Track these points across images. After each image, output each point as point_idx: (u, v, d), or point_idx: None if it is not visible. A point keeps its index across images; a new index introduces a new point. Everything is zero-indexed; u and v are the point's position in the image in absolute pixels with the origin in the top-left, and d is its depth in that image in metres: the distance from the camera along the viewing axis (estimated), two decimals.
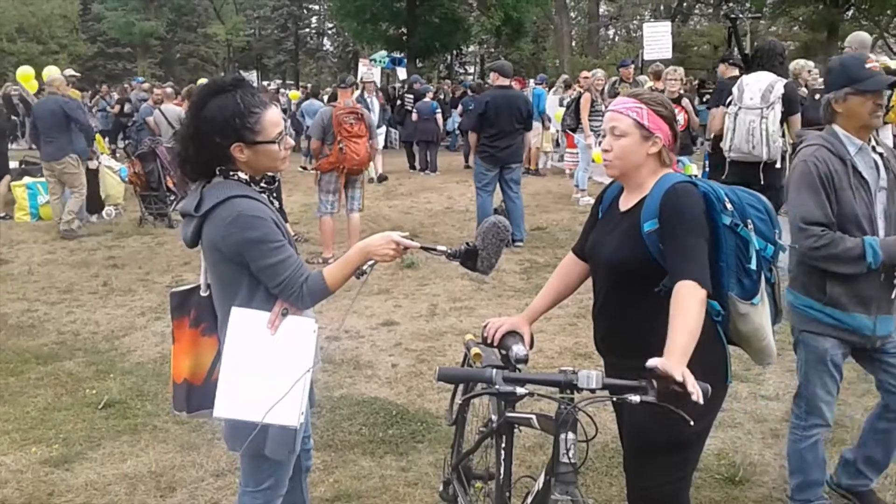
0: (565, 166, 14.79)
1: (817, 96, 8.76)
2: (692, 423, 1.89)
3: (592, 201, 8.22)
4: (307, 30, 55.77)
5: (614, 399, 1.99)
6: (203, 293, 2.59)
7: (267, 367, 2.38)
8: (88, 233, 9.79)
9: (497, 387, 2.01)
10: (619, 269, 2.40)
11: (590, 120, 11.28)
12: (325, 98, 14.10)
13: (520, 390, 2.00)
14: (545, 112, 14.76)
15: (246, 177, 2.41)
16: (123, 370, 5.21)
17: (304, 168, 15.37)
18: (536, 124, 14.52)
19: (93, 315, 6.47)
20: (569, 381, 1.97)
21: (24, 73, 14.61)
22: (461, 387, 2.85)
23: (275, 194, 2.53)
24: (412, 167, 16.27)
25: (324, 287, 2.38)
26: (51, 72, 12.76)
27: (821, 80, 10.03)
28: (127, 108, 18.29)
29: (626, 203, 2.48)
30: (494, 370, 2.04)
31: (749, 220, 2.36)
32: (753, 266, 2.34)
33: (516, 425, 2.45)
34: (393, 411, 4.49)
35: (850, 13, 27.19)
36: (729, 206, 2.33)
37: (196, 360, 2.60)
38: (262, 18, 52.86)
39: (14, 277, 7.72)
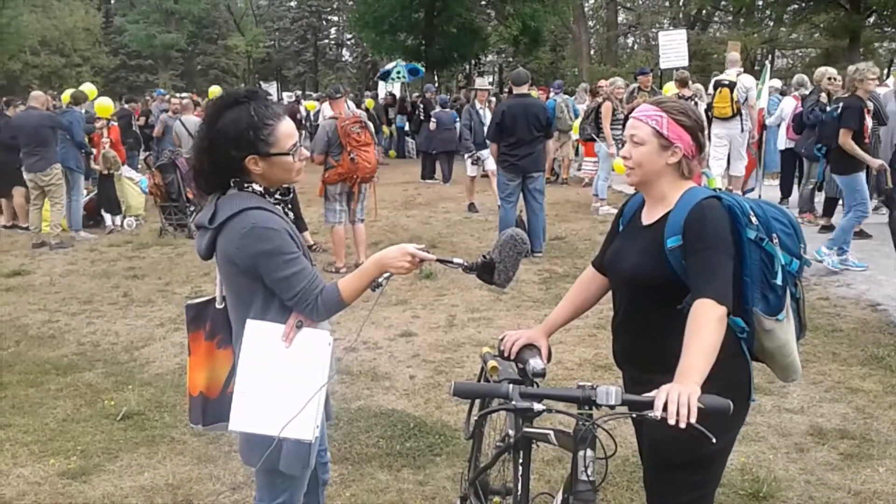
0: (584, 174, 14.74)
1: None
2: (714, 440, 1.84)
3: (612, 211, 8.19)
4: (326, 41, 56.14)
5: (633, 416, 1.94)
6: (218, 305, 2.58)
7: (282, 381, 2.36)
8: (69, 248, 9.76)
9: (513, 402, 1.97)
10: (639, 284, 2.35)
11: (611, 129, 11.25)
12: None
13: (537, 406, 1.96)
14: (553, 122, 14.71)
15: (260, 189, 2.40)
16: (142, 381, 5.22)
17: None
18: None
19: (112, 326, 6.49)
20: (587, 396, 1.93)
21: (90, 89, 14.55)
22: (478, 401, 2.81)
23: (289, 206, 2.51)
24: (425, 177, 16.22)
25: (339, 299, 2.35)
26: (89, 88, 13.08)
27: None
28: (150, 119, 18.43)
29: (648, 217, 2.43)
30: (511, 385, 2.00)
31: (774, 235, 2.30)
32: (779, 281, 2.28)
33: (534, 441, 2.41)
34: (410, 423, 4.45)
35: (871, 19, 26.93)
36: (754, 219, 2.28)
37: (211, 372, 2.59)
38: (282, 30, 53.31)
39: (36, 288, 7.78)
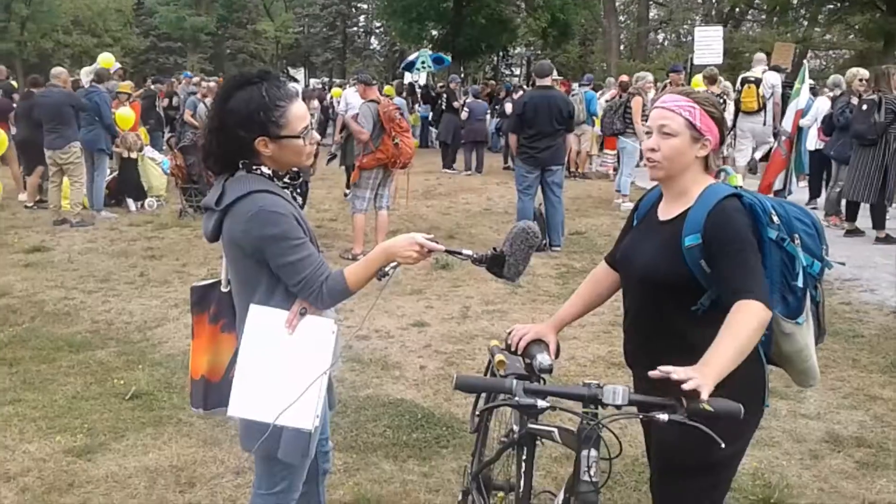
0: (605, 168, 14.63)
1: (865, 107, 8.50)
2: (724, 445, 1.77)
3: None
4: (355, 28, 56.10)
5: (640, 416, 1.87)
6: (224, 289, 2.55)
7: (283, 368, 2.32)
8: (90, 226, 9.79)
9: (517, 399, 1.92)
10: (652, 281, 2.27)
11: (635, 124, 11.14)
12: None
13: (540, 403, 1.90)
14: (596, 114, 14.56)
15: (269, 171, 2.35)
16: (153, 361, 5.22)
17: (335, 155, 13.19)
18: (587, 127, 14.39)
19: (128, 305, 6.51)
20: (593, 395, 1.87)
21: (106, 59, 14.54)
22: (485, 395, 2.76)
23: (299, 190, 2.47)
24: (446, 166, 16.16)
25: (344, 287, 2.31)
26: (104, 59, 12.96)
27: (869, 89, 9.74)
28: (175, 101, 18.51)
29: (666, 212, 2.34)
30: (515, 381, 1.94)
31: (796, 235, 2.22)
32: (799, 283, 2.21)
33: (538, 437, 2.35)
34: (418, 414, 4.42)
35: None
36: (776, 219, 2.20)
37: (214, 356, 2.56)
38: (311, 16, 53.30)
39: (54, 265, 7.82)
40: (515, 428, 2.44)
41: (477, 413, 2.50)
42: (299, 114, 2.33)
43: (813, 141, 10.57)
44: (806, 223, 2.28)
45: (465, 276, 7.36)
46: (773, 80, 11.41)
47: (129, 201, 11.09)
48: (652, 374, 1.88)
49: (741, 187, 2.30)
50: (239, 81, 2.34)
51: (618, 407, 1.88)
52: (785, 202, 2.34)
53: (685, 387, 1.82)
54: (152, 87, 18.16)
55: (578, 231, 9.64)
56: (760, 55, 12.41)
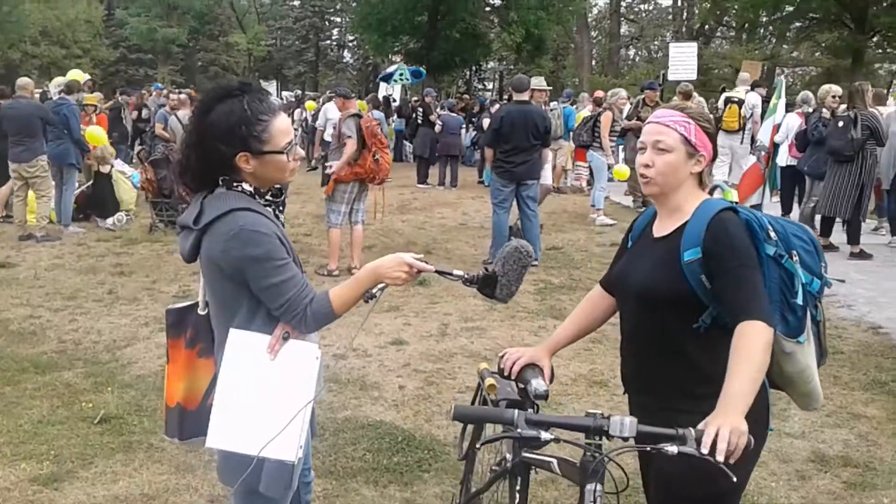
0: (579, 181, 14.63)
1: (840, 123, 8.57)
2: (734, 479, 1.69)
3: (609, 221, 8.01)
4: (328, 41, 56.01)
5: (649, 449, 1.78)
6: (201, 311, 2.43)
7: (265, 396, 2.20)
8: (56, 241, 9.54)
9: (519, 430, 1.81)
10: (651, 299, 2.20)
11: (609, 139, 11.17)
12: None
13: (544, 436, 1.79)
14: (574, 129, 14.58)
15: (250, 188, 2.24)
16: (123, 383, 5.04)
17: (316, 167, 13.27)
18: (563, 142, 14.38)
19: (96, 323, 6.31)
20: (598, 426, 1.77)
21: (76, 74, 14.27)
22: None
23: (280, 207, 2.36)
24: (421, 182, 16.08)
25: (329, 310, 2.20)
26: (74, 74, 12.72)
27: (843, 105, 9.85)
28: (144, 113, 18.24)
29: (661, 229, 2.28)
30: (517, 411, 1.83)
31: (794, 252, 2.17)
32: (799, 301, 2.15)
33: (533, 467, 2.25)
34: (399, 437, 4.30)
35: (874, 39, 26.92)
36: (773, 235, 2.14)
37: (191, 383, 2.43)
38: (284, 29, 53.18)
39: (20, 282, 7.59)
40: (508, 456, 2.34)
41: (478, 446, 2.37)
42: (282, 128, 2.22)
43: (784, 157, 10.65)
44: (803, 240, 2.23)
45: (442, 293, 7.26)
46: (755, 100, 11.65)
47: (98, 220, 10.81)
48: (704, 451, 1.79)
49: (737, 203, 2.25)
50: (219, 94, 2.22)
51: (625, 439, 1.78)
52: (781, 219, 2.29)
53: (721, 456, 1.77)
54: (120, 98, 17.89)
55: (555, 246, 9.59)
56: (744, 75, 12.72)
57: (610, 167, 11.25)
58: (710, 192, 2.28)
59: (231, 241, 2.12)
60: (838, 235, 9.17)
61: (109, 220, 10.68)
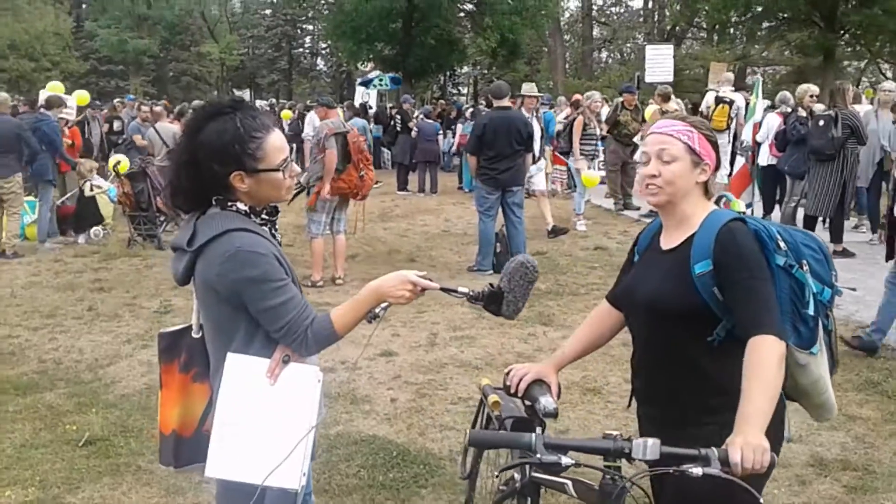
0: (555, 184, 14.63)
1: (821, 122, 8.62)
2: (761, 500, 1.65)
3: (583, 228, 7.84)
4: (301, 49, 55.79)
5: (672, 471, 1.72)
6: (195, 335, 2.34)
7: (266, 422, 2.12)
8: (23, 258, 9.38)
9: (538, 456, 1.74)
10: (661, 313, 2.15)
11: (581, 144, 11.10)
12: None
13: (565, 460, 1.73)
14: (553, 134, 14.57)
15: (245, 208, 2.16)
16: (107, 403, 4.92)
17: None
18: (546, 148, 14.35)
19: (76, 342, 6.18)
20: (619, 448, 1.70)
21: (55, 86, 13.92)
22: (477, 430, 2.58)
23: (276, 227, 2.28)
24: (401, 188, 16.00)
25: (331, 331, 2.13)
26: (54, 87, 12.50)
27: (821, 105, 9.92)
28: (116, 125, 17.96)
29: (669, 241, 2.23)
30: (534, 435, 1.76)
31: (804, 262, 2.13)
32: (811, 312, 2.11)
33: (544, 487, 2.19)
34: (393, 452, 4.22)
35: (845, 38, 27.22)
36: (782, 245, 2.11)
37: (186, 409, 2.34)
38: (256, 38, 52.90)
39: None
40: (517, 476, 2.27)
41: (496, 474, 2.28)
42: (277, 145, 2.15)
43: (765, 156, 10.70)
44: (813, 248, 2.20)
45: (429, 301, 7.18)
46: (740, 101, 11.68)
47: (80, 236, 10.61)
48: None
49: (745, 213, 2.21)
50: (210, 112, 2.14)
51: (648, 462, 1.72)
52: (789, 227, 2.25)
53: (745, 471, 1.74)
54: (87, 111, 17.57)
55: (540, 251, 9.54)
56: (729, 74, 12.71)
57: (578, 172, 11.20)
58: (716, 202, 2.24)
59: (227, 262, 2.04)
60: (820, 234, 9.20)
61: (82, 238, 10.49)
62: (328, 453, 4.18)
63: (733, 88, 12.16)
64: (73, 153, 11.07)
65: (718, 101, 11.81)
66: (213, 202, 2.15)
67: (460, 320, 6.68)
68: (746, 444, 1.76)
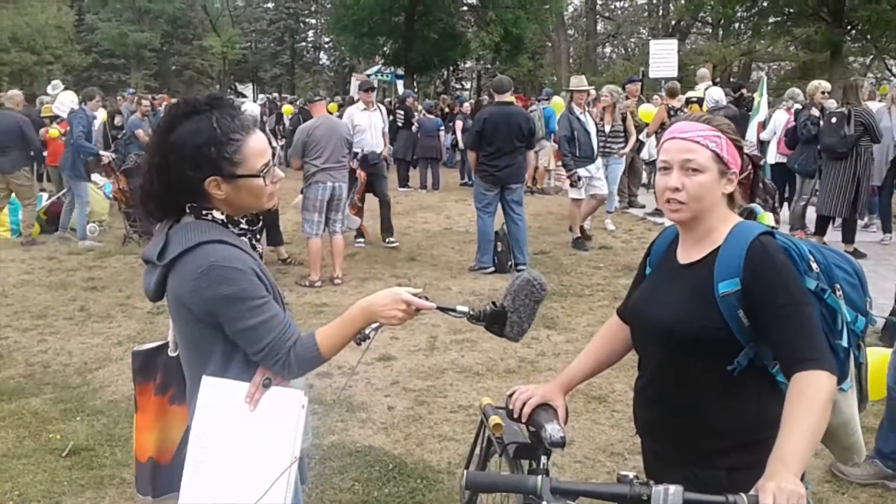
0: (560, 181, 14.44)
1: (834, 120, 8.40)
2: None
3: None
4: (304, 43, 55.53)
5: None
6: (171, 353, 2.16)
7: (245, 451, 1.93)
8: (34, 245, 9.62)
9: (544, 502, 1.55)
10: (677, 336, 1.92)
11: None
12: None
13: None
14: (554, 130, 14.36)
15: (222, 216, 1.96)
16: (93, 409, 4.75)
17: None
18: (545, 142, 14.17)
19: (66, 344, 6.00)
20: (637, 495, 1.51)
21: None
22: (477, 452, 2.41)
23: (258, 236, 2.08)
24: (402, 185, 15.78)
25: (316, 353, 1.92)
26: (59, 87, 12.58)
27: (833, 102, 9.70)
28: (117, 120, 17.78)
29: (688, 255, 2.00)
30: (539, 479, 1.57)
31: (837, 286, 1.91)
32: (844, 343, 1.89)
33: None
34: (390, 464, 4.04)
35: (852, 33, 26.99)
36: (814, 266, 1.89)
37: (163, 433, 2.18)
38: (259, 31, 52.65)
39: None
40: None
41: None
42: (258, 148, 1.94)
43: (773, 154, 10.49)
44: (847, 271, 1.98)
45: None
46: (717, 95, 11.19)
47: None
48: None
49: (775, 228, 2.00)
50: (184, 110, 1.93)
51: None
52: (822, 246, 2.03)
53: None
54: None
55: (543, 250, 9.35)
56: (703, 71, 12.44)
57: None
58: (743, 215, 2.02)
59: (200, 279, 1.84)
60: (831, 233, 9.02)
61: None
62: (321, 465, 4.02)
63: (709, 84, 11.74)
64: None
65: (688, 101, 11.34)
66: (187, 210, 1.95)
67: (461, 324, 6.47)
68: (780, 489, 1.56)
